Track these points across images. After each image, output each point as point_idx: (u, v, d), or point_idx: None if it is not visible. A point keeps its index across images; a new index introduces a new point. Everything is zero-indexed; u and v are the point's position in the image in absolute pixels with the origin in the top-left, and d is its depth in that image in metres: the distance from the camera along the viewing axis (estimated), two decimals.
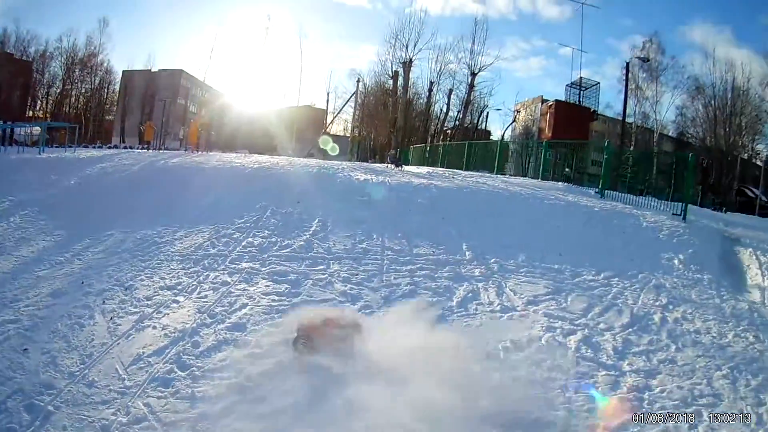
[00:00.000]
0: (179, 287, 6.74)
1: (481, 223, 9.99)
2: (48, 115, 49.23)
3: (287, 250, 8.20)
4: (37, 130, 30.79)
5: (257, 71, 68.99)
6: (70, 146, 22.14)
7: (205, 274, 7.17)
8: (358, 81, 31.03)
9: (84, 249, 8.20)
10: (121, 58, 79.80)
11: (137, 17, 72.59)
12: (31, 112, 50.22)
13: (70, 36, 50.35)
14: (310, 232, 8.98)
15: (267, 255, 7.95)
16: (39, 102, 51.45)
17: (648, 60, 40.49)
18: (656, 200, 13.42)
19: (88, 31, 55.53)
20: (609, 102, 54.29)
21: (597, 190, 14.40)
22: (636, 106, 41.56)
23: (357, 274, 7.47)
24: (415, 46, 43.03)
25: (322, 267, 7.62)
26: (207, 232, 8.81)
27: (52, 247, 8.46)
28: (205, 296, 6.49)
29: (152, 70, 52.50)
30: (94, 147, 30.37)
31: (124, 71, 53.47)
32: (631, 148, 38.94)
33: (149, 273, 7.18)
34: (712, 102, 38.78)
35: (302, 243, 8.51)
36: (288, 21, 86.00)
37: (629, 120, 41.87)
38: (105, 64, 52.38)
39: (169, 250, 8.04)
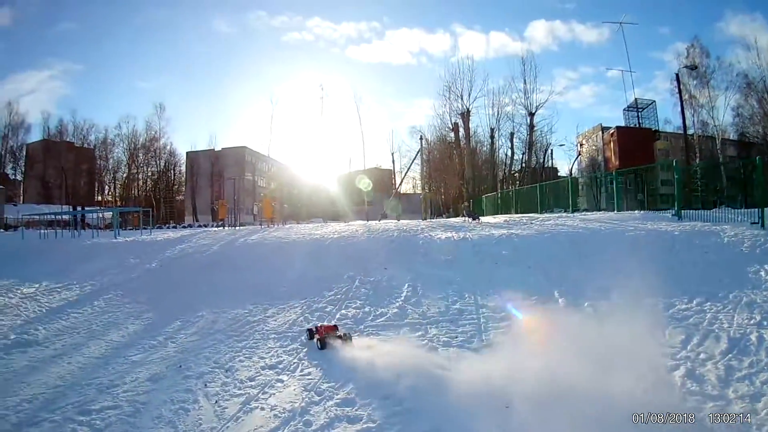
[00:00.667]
0: (281, 366, 6.93)
1: (568, 266, 9.92)
2: (118, 198, 52.90)
3: (382, 319, 8.37)
4: (108, 213, 33.18)
5: (319, 139, 72.59)
6: (145, 228, 23.62)
7: (304, 350, 7.35)
8: (420, 138, 32.03)
9: (176, 331, 8.60)
10: (184, 140, 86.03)
11: (193, 100, 78.66)
12: (99, 197, 54.21)
13: (129, 122, 55.39)
14: (402, 298, 9.13)
15: (363, 326, 8.15)
16: (107, 187, 55.61)
17: (696, 67, 41.38)
18: (732, 211, 13.69)
19: (145, 116, 60.92)
20: (667, 117, 56.40)
21: (674, 212, 14.17)
22: (693, 116, 42.21)
23: (456, 336, 7.51)
24: (469, 95, 44.84)
25: (420, 333, 7.71)
26: (298, 307, 9.14)
27: (142, 330, 8.90)
28: (309, 373, 6.63)
29: (215, 149, 56.12)
30: (168, 228, 32.26)
31: (188, 152, 57.73)
32: (697, 160, 39.32)
33: (247, 353, 7.44)
34: (765, 95, 39.08)
35: (396, 310, 8.67)
36: (341, 88, 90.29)
37: (689, 131, 42.24)
38: (168, 147, 56.75)
39: (263, 329, 8.35)
